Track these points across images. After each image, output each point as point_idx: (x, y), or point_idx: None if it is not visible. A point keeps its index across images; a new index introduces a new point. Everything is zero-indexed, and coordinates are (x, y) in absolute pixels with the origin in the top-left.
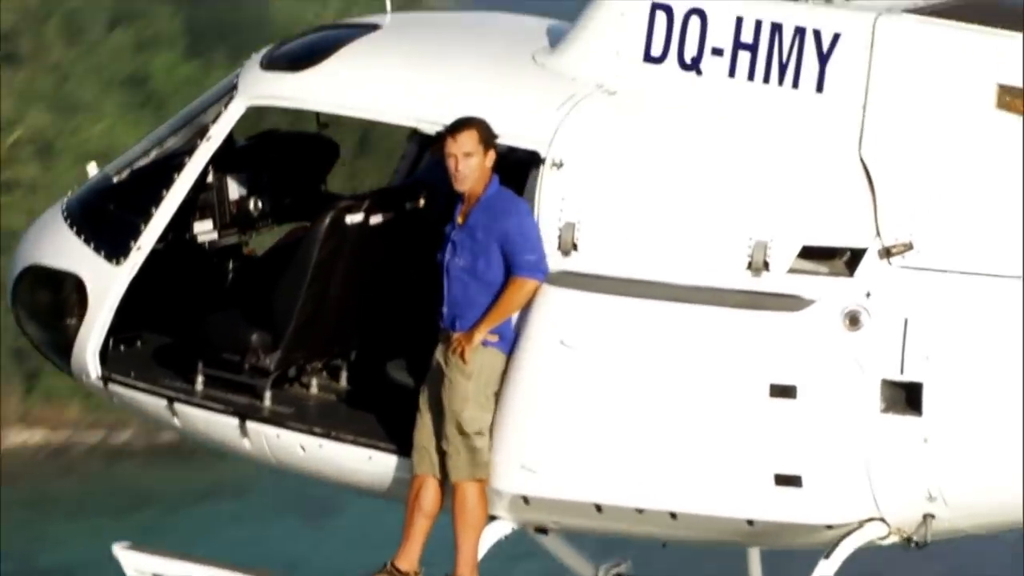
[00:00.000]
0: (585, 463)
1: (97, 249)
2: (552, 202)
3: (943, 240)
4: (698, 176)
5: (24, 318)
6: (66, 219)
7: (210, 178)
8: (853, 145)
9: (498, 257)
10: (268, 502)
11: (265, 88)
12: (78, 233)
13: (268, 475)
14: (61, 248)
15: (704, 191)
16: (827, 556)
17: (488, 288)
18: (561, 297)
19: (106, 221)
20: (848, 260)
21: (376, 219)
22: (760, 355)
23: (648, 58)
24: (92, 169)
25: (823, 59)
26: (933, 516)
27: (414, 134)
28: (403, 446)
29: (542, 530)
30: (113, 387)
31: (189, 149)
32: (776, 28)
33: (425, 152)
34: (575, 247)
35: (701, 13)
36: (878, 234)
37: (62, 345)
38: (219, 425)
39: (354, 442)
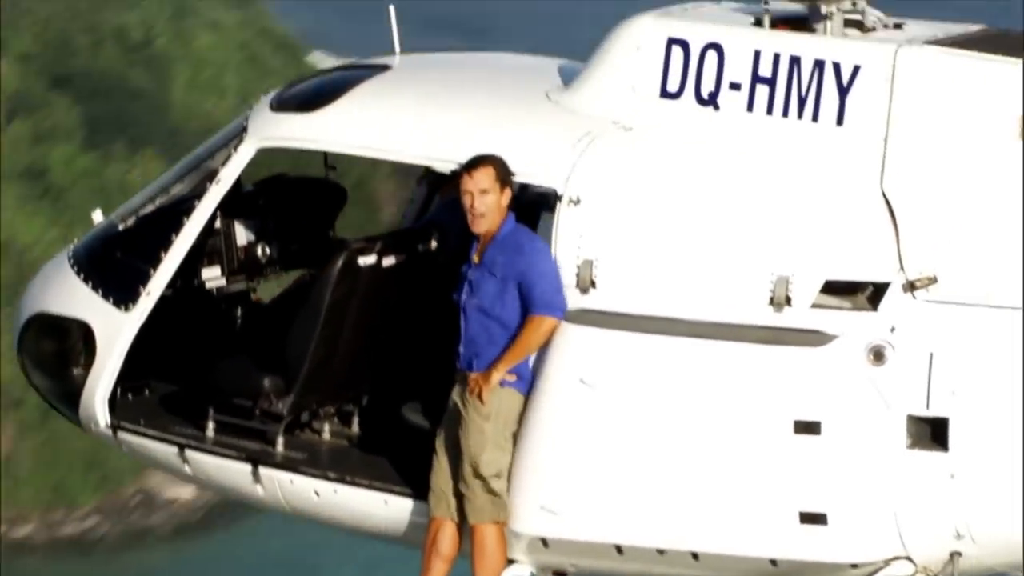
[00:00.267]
0: (605, 504)
1: (106, 296)
2: (570, 239)
3: (968, 273)
4: (718, 211)
5: (30, 367)
6: (73, 266)
7: (218, 223)
8: (875, 178)
9: (515, 296)
10: None
11: (276, 129)
12: (85, 280)
13: (171, 565)
14: (68, 296)
15: (724, 226)
16: None
17: (505, 327)
18: (580, 335)
19: (114, 267)
20: (871, 294)
21: (388, 261)
22: (783, 391)
23: (665, 93)
24: (97, 216)
25: (843, 92)
26: (960, 554)
27: (423, 178)
28: (419, 489)
29: (561, 573)
30: (123, 435)
31: (198, 193)
32: (795, 61)
33: (435, 195)
34: (593, 284)
35: (718, 47)
36: (901, 268)
37: (70, 393)
38: (231, 471)
39: (369, 486)
